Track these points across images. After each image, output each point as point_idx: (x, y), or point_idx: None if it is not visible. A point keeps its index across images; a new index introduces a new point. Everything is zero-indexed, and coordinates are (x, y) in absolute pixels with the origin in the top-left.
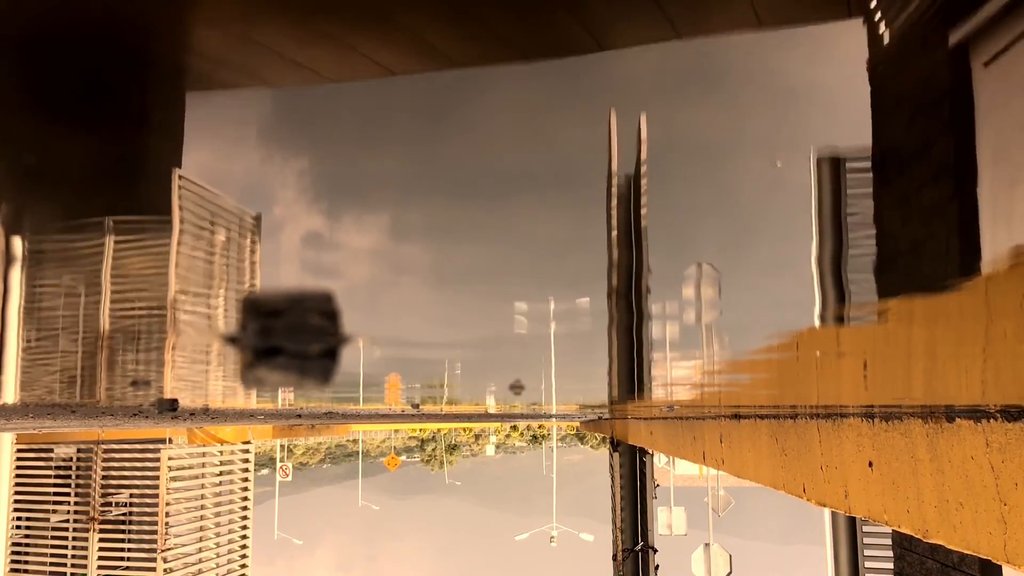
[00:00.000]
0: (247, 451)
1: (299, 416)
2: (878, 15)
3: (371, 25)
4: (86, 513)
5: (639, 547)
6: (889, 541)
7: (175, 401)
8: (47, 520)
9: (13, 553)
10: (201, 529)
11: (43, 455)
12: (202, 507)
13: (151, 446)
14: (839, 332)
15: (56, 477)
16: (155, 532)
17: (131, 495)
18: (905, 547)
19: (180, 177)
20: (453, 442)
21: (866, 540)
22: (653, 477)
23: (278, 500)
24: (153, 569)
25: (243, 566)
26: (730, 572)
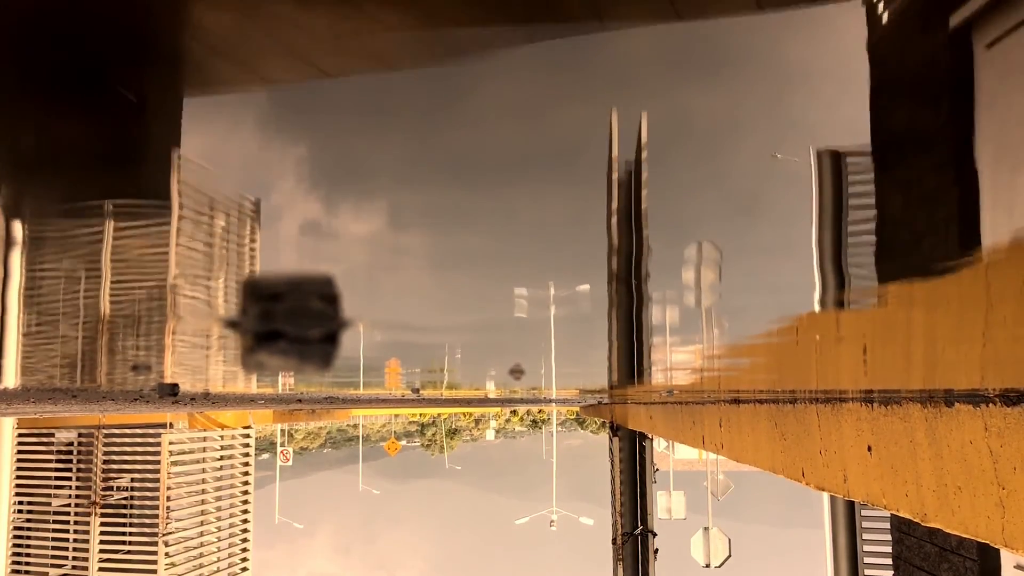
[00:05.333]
0: (248, 436)
1: (299, 401)
2: None
3: None
4: (87, 497)
5: (638, 531)
6: (888, 525)
7: (176, 386)
8: (48, 504)
9: (15, 537)
10: (202, 513)
11: (44, 439)
12: (203, 491)
13: (152, 431)
14: (839, 316)
15: (57, 461)
16: (156, 516)
17: (132, 479)
18: (904, 531)
19: (180, 163)
20: (453, 427)
21: (865, 524)
22: (652, 461)
23: (279, 484)
24: (154, 553)
25: (244, 550)
26: (729, 556)
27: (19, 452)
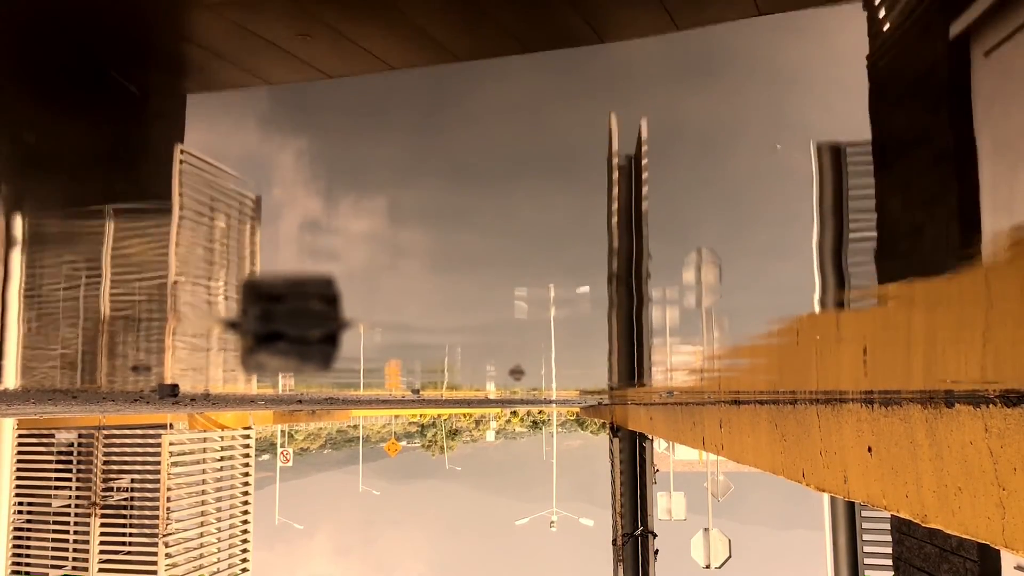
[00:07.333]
0: (248, 436)
1: (300, 402)
2: (878, 1)
3: (369, 10)
4: (87, 498)
5: (639, 532)
6: (888, 526)
7: (176, 386)
8: (49, 505)
9: (15, 538)
10: (202, 514)
11: (44, 440)
12: (203, 492)
13: (152, 431)
14: (839, 317)
15: (57, 462)
16: (156, 517)
17: (132, 480)
18: (904, 532)
19: (181, 161)
20: (453, 428)
21: (865, 525)
22: (653, 462)
23: (279, 485)
24: (154, 553)
25: (244, 551)
26: (729, 557)
27: (19, 453)
